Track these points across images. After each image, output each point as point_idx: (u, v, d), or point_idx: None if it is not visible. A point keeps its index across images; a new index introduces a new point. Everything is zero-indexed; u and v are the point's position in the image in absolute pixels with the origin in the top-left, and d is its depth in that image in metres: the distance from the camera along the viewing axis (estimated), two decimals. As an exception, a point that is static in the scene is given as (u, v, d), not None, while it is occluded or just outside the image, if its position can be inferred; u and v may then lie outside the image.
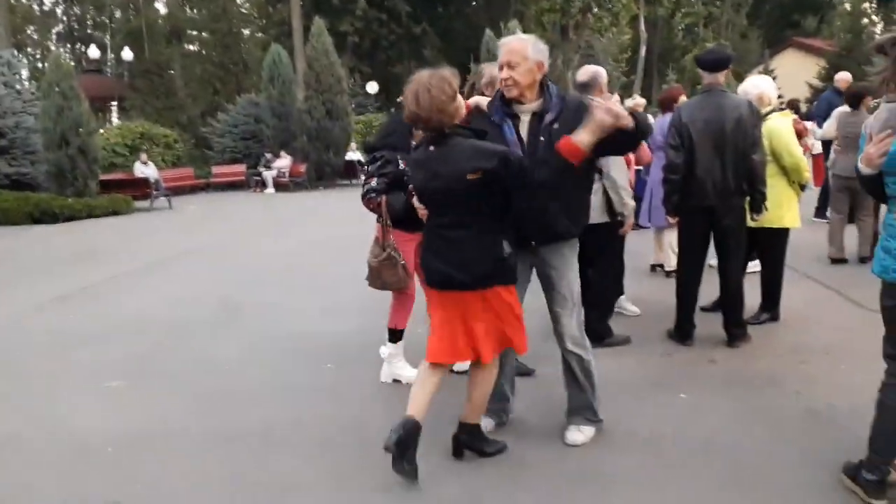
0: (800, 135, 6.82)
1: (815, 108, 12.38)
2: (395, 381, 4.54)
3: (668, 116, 6.50)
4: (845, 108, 7.77)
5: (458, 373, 3.94)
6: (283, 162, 21.61)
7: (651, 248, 7.44)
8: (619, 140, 3.17)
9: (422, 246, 3.43)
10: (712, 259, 5.14)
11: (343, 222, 12.95)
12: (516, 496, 3.12)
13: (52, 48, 44.70)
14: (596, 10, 31.77)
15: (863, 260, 7.19)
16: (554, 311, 3.52)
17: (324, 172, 22.25)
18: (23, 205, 14.77)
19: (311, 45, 22.14)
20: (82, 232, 13.40)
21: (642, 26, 34.15)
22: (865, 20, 36.03)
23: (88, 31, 51.48)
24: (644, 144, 6.69)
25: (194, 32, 46.00)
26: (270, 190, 21.21)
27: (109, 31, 48.59)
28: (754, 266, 5.84)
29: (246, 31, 42.82)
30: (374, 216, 4.36)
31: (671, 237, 6.46)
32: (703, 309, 5.49)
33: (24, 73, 18.99)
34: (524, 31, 23.62)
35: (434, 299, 3.43)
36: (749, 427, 3.68)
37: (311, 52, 22.11)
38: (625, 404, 3.98)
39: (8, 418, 4.25)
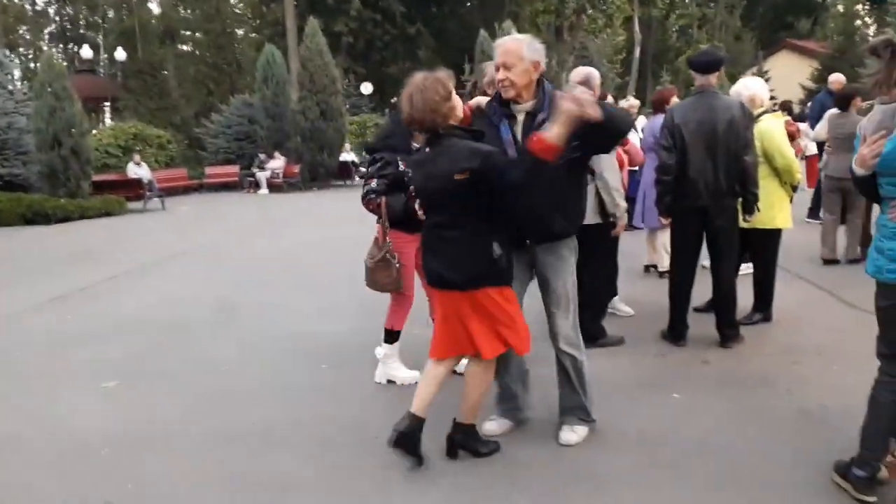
0: (792, 136, 6.85)
1: (809, 110, 12.44)
2: (390, 381, 4.54)
3: (660, 117, 6.53)
4: (836, 110, 7.81)
5: (459, 374, 3.94)
6: (277, 163, 21.58)
7: (644, 249, 7.46)
8: (597, 136, 3.17)
9: (422, 246, 3.46)
10: (705, 260, 5.16)
11: (337, 223, 12.96)
12: (511, 496, 3.12)
13: (45, 48, 44.48)
14: (590, 11, 31.87)
15: (852, 261, 7.22)
16: (549, 310, 3.54)
17: (318, 173, 22.22)
18: (15, 206, 14.72)
19: (306, 45, 22.10)
20: (76, 233, 13.36)
21: (636, 27, 34.30)
22: (858, 22, 36.16)
23: (81, 31, 51.30)
24: (637, 145, 6.73)
25: (188, 32, 45.84)
26: (264, 191, 21.18)
27: (102, 31, 48.46)
28: (747, 268, 5.86)
29: (240, 32, 42.73)
30: (370, 217, 4.37)
31: (664, 238, 6.47)
32: (697, 309, 5.51)
33: (17, 74, 18.94)
34: (519, 32, 23.66)
35: (435, 297, 3.52)
36: (742, 427, 3.70)
37: (305, 53, 22.07)
38: (618, 404, 3.99)
39: (7, 418, 4.26)
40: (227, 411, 4.25)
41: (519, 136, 3.32)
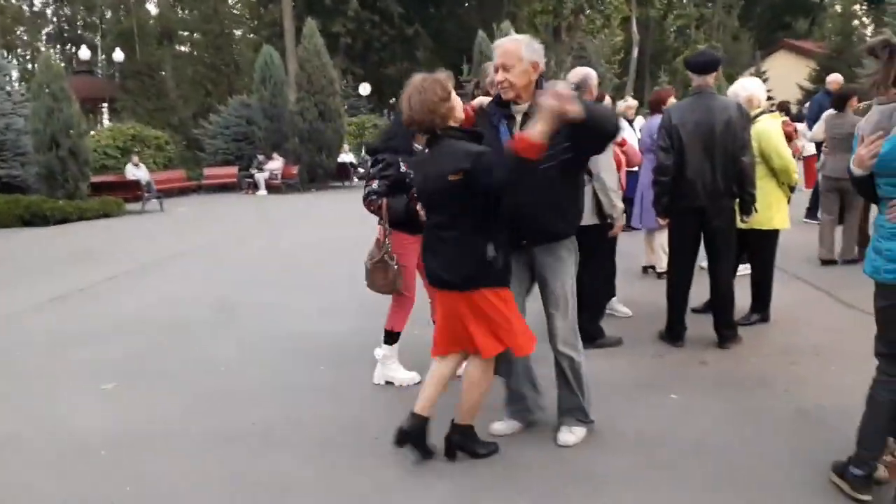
0: (789, 137, 6.86)
1: (806, 111, 12.46)
2: (388, 383, 4.54)
3: (657, 118, 6.55)
4: (832, 111, 7.83)
5: (457, 377, 3.95)
6: (275, 164, 21.56)
7: (642, 250, 7.47)
8: (583, 137, 3.16)
9: (422, 245, 3.49)
10: (703, 261, 5.17)
11: (336, 224, 12.97)
12: (509, 496, 3.13)
13: (42, 49, 44.46)
14: (588, 11, 31.89)
15: (849, 261, 7.23)
16: (547, 311, 3.54)
17: (316, 174, 22.21)
18: (13, 207, 14.71)
19: (303, 46, 22.09)
20: (74, 234, 13.35)
21: (634, 28, 34.32)
22: (856, 22, 36.22)
23: (79, 31, 51.26)
24: (635, 146, 6.74)
25: (185, 33, 45.87)
26: (262, 192, 21.17)
27: (100, 32, 48.41)
28: (744, 269, 5.87)
29: (237, 32, 42.74)
30: (369, 218, 4.38)
31: (662, 239, 6.49)
32: (694, 310, 5.52)
33: (14, 75, 18.95)
34: (517, 33, 23.68)
35: (436, 296, 3.55)
36: (739, 428, 3.71)
37: (303, 54, 22.06)
38: (616, 405, 4.00)
39: (8, 418, 4.27)
40: (227, 411, 4.26)
41: None
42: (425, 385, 3.45)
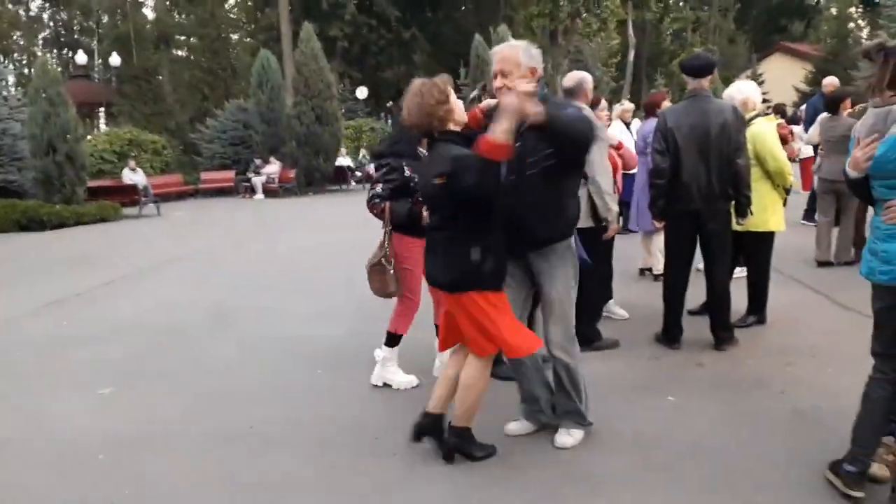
0: (784, 139, 6.88)
1: (803, 113, 12.49)
2: (386, 385, 4.54)
3: (652, 121, 6.59)
4: (826, 113, 7.87)
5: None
6: (273, 168, 21.56)
7: (639, 252, 7.49)
8: (554, 142, 3.17)
9: (425, 247, 3.53)
10: (699, 263, 5.18)
11: (333, 228, 12.99)
12: (506, 498, 3.14)
13: (39, 54, 44.43)
14: (585, 15, 31.91)
15: (845, 263, 7.24)
16: (543, 315, 3.56)
17: (313, 178, 22.22)
18: (10, 212, 14.69)
19: (300, 50, 22.11)
20: (71, 239, 13.34)
21: (630, 31, 34.35)
22: (851, 24, 36.34)
23: (75, 36, 51.22)
24: (632, 149, 6.76)
25: (182, 37, 45.84)
26: (259, 196, 21.16)
27: (97, 37, 48.35)
28: (740, 272, 5.88)
29: (234, 37, 42.73)
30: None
31: (660, 241, 6.49)
32: (691, 312, 5.53)
33: (11, 80, 18.91)
34: (513, 36, 23.70)
35: (439, 296, 3.63)
36: (736, 429, 3.72)
37: (300, 58, 22.09)
38: (613, 407, 4.01)
39: (6, 421, 4.28)
40: (226, 412, 4.28)
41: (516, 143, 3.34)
42: (436, 387, 3.51)
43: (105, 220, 15.90)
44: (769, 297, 5.57)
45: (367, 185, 21.55)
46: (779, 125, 6.59)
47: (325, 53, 23.09)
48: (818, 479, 3.11)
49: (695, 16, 38.48)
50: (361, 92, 31.44)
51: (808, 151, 11.36)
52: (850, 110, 7.60)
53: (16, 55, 49.49)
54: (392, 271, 4.28)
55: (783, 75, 33.84)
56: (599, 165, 4.66)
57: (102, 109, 29.42)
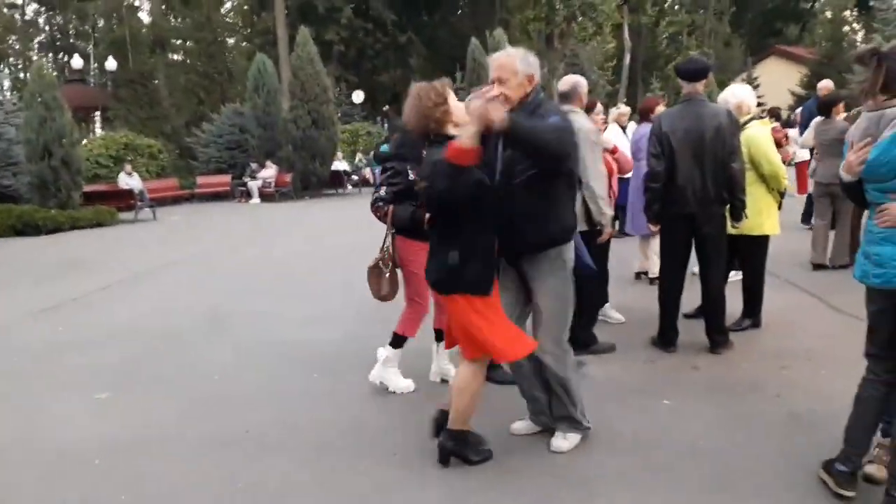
0: (779, 143, 6.91)
1: (798, 116, 12.54)
2: (383, 385, 4.53)
3: (646, 126, 6.62)
4: (820, 117, 7.91)
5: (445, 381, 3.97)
6: (269, 172, 21.53)
7: (635, 256, 7.50)
8: (524, 152, 3.19)
9: None
10: (695, 266, 5.19)
11: (330, 232, 12.99)
12: (503, 501, 3.15)
13: (35, 58, 44.35)
14: (580, 18, 31.99)
15: (841, 266, 7.26)
16: (533, 321, 3.58)
17: (310, 182, 22.19)
18: (5, 217, 14.65)
19: (297, 54, 22.09)
20: (67, 243, 13.32)
21: (626, 35, 34.48)
22: (846, 28, 36.47)
23: (71, 40, 51.15)
24: (627, 153, 6.77)
25: (178, 42, 45.83)
26: (256, 200, 21.13)
27: (92, 41, 48.31)
28: (735, 275, 5.90)
29: (230, 41, 42.71)
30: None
31: (656, 245, 6.50)
32: (686, 316, 5.54)
33: (6, 84, 18.92)
34: (509, 40, 23.78)
35: (438, 297, 3.72)
36: (732, 432, 3.73)
37: (297, 62, 22.07)
38: (610, 410, 4.02)
39: (3, 425, 4.28)
40: (223, 416, 4.28)
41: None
42: (449, 387, 3.59)
43: (101, 224, 15.87)
44: (764, 301, 5.58)
45: (363, 189, 21.37)
46: (773, 129, 6.62)
47: (322, 57, 23.09)
48: (814, 480, 3.13)
49: (690, 19, 38.62)
50: (358, 96, 31.46)
51: (803, 155, 11.39)
52: (843, 114, 7.64)
53: (11, 59, 49.45)
54: (388, 274, 4.29)
55: (778, 78, 33.92)
56: (593, 170, 4.67)
57: (98, 114, 29.40)
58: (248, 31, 42.38)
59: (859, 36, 35.34)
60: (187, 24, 41.13)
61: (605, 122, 7.32)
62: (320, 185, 22.52)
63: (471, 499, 3.18)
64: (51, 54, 49.96)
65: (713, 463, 3.39)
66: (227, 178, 22.67)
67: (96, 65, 41.01)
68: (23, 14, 50.19)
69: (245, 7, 43.49)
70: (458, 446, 3.45)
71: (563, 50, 29.77)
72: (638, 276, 7.45)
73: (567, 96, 4.83)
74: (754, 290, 5.55)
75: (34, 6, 49.58)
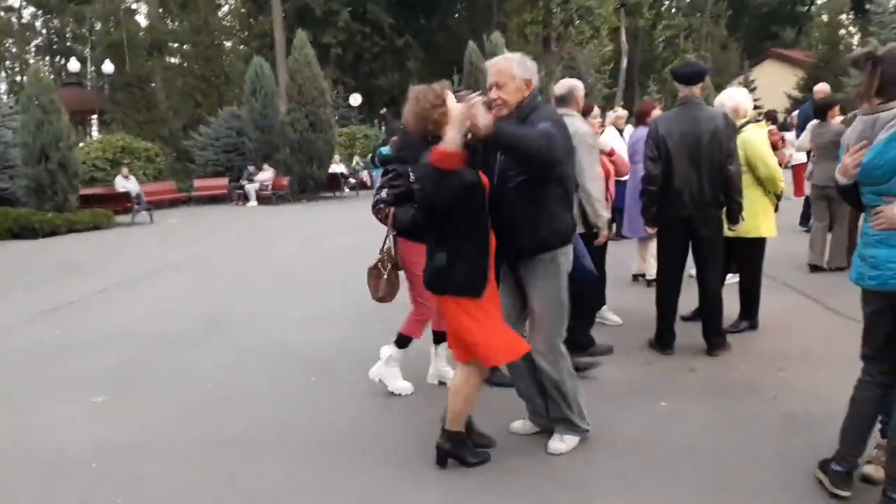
0: (775, 146, 6.94)
1: (795, 119, 12.58)
2: (382, 383, 4.52)
3: (641, 129, 6.65)
4: (816, 120, 7.95)
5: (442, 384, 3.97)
6: (266, 175, 21.54)
7: (632, 258, 7.51)
8: (509, 156, 3.22)
9: None
10: (692, 269, 5.20)
11: (327, 235, 12.98)
12: (502, 502, 3.16)
13: (32, 61, 44.32)
14: (578, 22, 32.07)
15: (837, 269, 7.28)
16: (528, 323, 3.59)
17: (307, 185, 22.20)
18: (2, 220, 14.63)
19: (294, 57, 22.11)
20: (64, 247, 13.30)
21: (623, 38, 34.56)
22: (842, 31, 36.57)
23: (68, 43, 51.07)
24: (624, 156, 6.79)
25: (176, 45, 45.77)
26: (253, 203, 21.13)
27: (90, 44, 48.26)
28: (732, 278, 5.91)
29: (228, 44, 42.73)
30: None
31: (654, 247, 6.51)
32: (683, 318, 5.55)
33: (3, 87, 18.90)
34: (506, 43, 23.82)
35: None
36: (729, 434, 3.74)
37: (294, 65, 22.08)
38: (607, 412, 4.02)
39: (0, 428, 4.27)
40: (221, 419, 4.28)
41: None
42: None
43: (98, 227, 15.86)
44: (761, 303, 5.59)
45: (360, 192, 21.37)
46: (769, 132, 6.64)
47: (319, 60, 23.09)
48: (811, 482, 3.14)
49: (687, 23, 38.77)
50: (355, 99, 31.47)
51: (800, 158, 11.44)
52: (839, 118, 7.66)
53: (8, 63, 49.38)
54: (386, 276, 4.29)
55: (775, 82, 34.03)
56: (590, 172, 4.67)
57: (95, 117, 29.33)
58: (246, 34, 42.37)
59: (855, 39, 35.43)
60: (184, 27, 41.10)
61: (602, 126, 7.34)
62: (317, 188, 22.52)
63: (469, 500, 3.19)
64: (48, 57, 49.91)
65: (711, 464, 3.40)
66: (224, 181, 22.68)
67: (93, 68, 40.93)
68: (20, 17, 50.17)
69: (242, 10, 43.49)
70: (455, 448, 3.46)
71: (561, 53, 29.83)
72: (635, 278, 7.47)
73: (563, 100, 4.84)
74: (751, 293, 5.56)
75: (31, 9, 49.53)
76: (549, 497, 3.19)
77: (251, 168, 21.79)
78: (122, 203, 17.53)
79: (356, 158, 26.19)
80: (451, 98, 3.31)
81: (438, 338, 4.51)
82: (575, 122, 4.41)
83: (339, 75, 34.72)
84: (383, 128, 32.04)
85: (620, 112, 9.40)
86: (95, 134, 27.65)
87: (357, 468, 3.55)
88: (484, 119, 2.99)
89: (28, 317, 7.27)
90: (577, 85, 4.93)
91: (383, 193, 4.31)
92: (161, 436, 4.05)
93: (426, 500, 3.22)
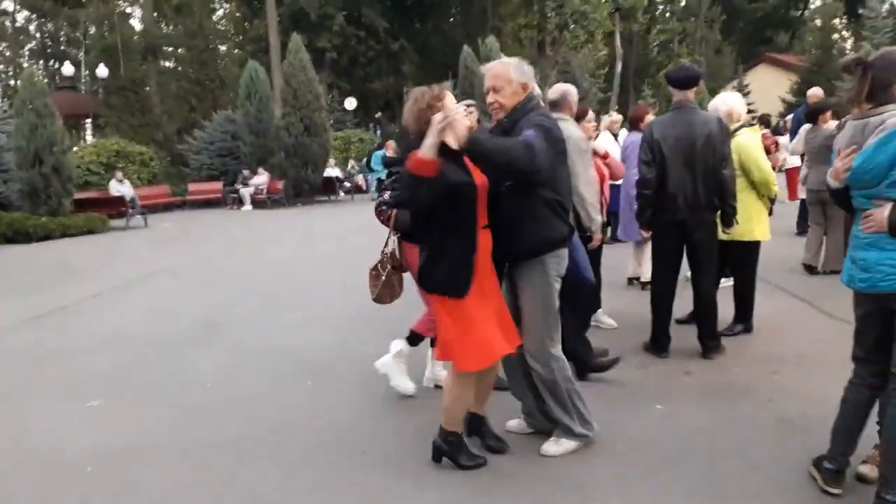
0: (768, 150, 6.97)
1: (790, 124, 12.64)
2: (386, 376, 4.50)
3: (635, 135, 6.68)
4: (809, 124, 8.00)
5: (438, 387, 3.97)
6: (261, 179, 21.51)
7: (627, 262, 7.53)
8: (493, 170, 3.23)
9: None
10: (687, 272, 5.22)
11: (322, 239, 12.97)
12: (497, 506, 3.16)
13: (25, 65, 44.24)
14: (572, 26, 32.16)
15: (832, 272, 7.31)
16: (521, 325, 3.57)
17: (302, 189, 22.19)
18: (-4, 224, 14.58)
19: (289, 61, 22.12)
20: (58, 251, 13.26)
21: (618, 42, 34.63)
22: (836, 36, 36.78)
23: (62, 47, 51.03)
24: (619, 160, 6.81)
25: (170, 49, 45.77)
26: (248, 207, 21.09)
27: (84, 48, 48.20)
28: (727, 281, 5.93)
29: (222, 48, 42.70)
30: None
31: (649, 250, 6.53)
32: (678, 321, 5.57)
33: (-3, 91, 18.83)
34: (501, 47, 23.86)
35: None
36: (724, 437, 3.75)
37: (289, 69, 22.09)
38: (603, 415, 4.01)
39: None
40: (216, 423, 4.28)
41: None
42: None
43: (92, 232, 15.81)
44: (755, 306, 5.61)
45: (356, 196, 21.29)
46: (763, 136, 6.68)
47: (314, 64, 23.13)
48: (806, 485, 3.16)
49: (681, 27, 38.90)
50: (350, 103, 31.49)
51: (793, 161, 11.49)
52: (831, 122, 7.71)
53: (2, 67, 49.30)
54: (385, 277, 4.31)
55: (769, 86, 34.18)
56: (583, 176, 4.68)
57: (89, 121, 29.30)
58: (240, 38, 42.40)
59: (849, 43, 35.64)
60: (179, 31, 41.14)
61: (597, 130, 7.36)
62: (312, 191, 22.52)
63: (469, 501, 3.19)
64: (42, 61, 49.86)
65: (706, 467, 3.41)
66: (218, 185, 22.64)
67: (87, 72, 40.85)
68: (13, 21, 50.07)
69: (237, 14, 43.55)
70: (451, 449, 3.47)
71: (555, 57, 29.91)
72: (630, 281, 7.48)
73: (557, 104, 4.85)
74: (746, 296, 5.58)
75: (25, 13, 49.46)
76: (546, 499, 3.19)
77: (246, 172, 21.75)
78: (117, 207, 17.47)
79: (351, 162, 26.20)
80: (450, 99, 3.32)
81: (435, 341, 4.52)
82: (568, 127, 4.41)
83: (333, 79, 34.76)
84: (378, 132, 32.08)
85: (615, 116, 9.45)
86: (90, 138, 27.64)
87: (356, 469, 3.55)
88: (460, 130, 2.99)
89: (22, 321, 7.25)
90: (570, 90, 4.94)
91: (386, 196, 4.32)
92: (156, 440, 4.04)
93: (426, 501, 3.23)
